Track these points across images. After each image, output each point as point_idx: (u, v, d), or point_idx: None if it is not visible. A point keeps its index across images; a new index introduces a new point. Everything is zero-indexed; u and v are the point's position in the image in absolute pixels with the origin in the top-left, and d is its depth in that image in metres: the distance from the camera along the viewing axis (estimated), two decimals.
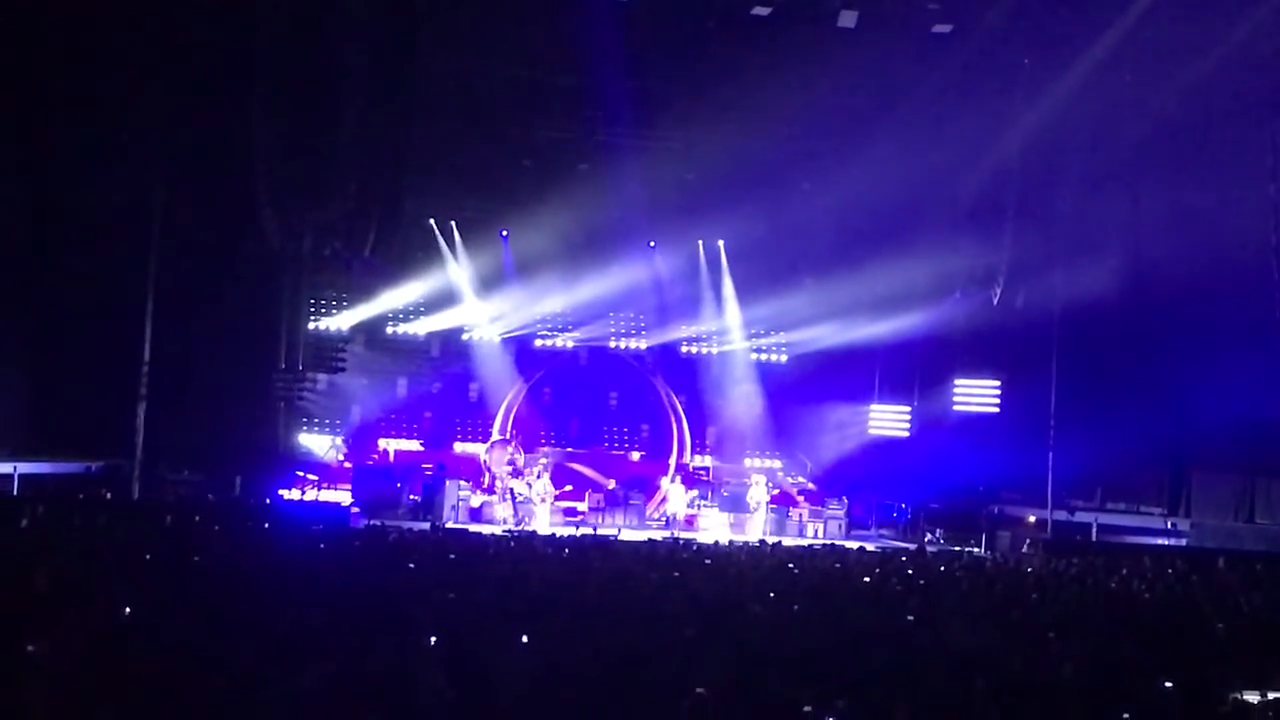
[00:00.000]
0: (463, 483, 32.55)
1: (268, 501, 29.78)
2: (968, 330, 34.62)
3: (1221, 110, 30.07)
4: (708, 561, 20.90)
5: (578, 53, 30.02)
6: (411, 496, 32.10)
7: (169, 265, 30.03)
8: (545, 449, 35.47)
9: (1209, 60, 28.66)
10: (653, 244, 36.12)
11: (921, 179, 31.77)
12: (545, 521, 30.79)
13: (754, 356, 37.93)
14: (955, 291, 34.59)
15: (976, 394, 35.47)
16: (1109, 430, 30.61)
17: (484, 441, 35.62)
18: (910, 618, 14.89)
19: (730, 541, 26.37)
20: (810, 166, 33.71)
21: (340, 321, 34.81)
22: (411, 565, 17.73)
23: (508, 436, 34.90)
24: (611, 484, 34.10)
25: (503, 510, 31.74)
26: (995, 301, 34.10)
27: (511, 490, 32.08)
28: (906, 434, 36.69)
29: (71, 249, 29.53)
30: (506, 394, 36.36)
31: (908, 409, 36.84)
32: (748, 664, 10.79)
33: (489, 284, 35.92)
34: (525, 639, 11.57)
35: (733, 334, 37.41)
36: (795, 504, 34.96)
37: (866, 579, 19.06)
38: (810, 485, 36.63)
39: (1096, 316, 31.72)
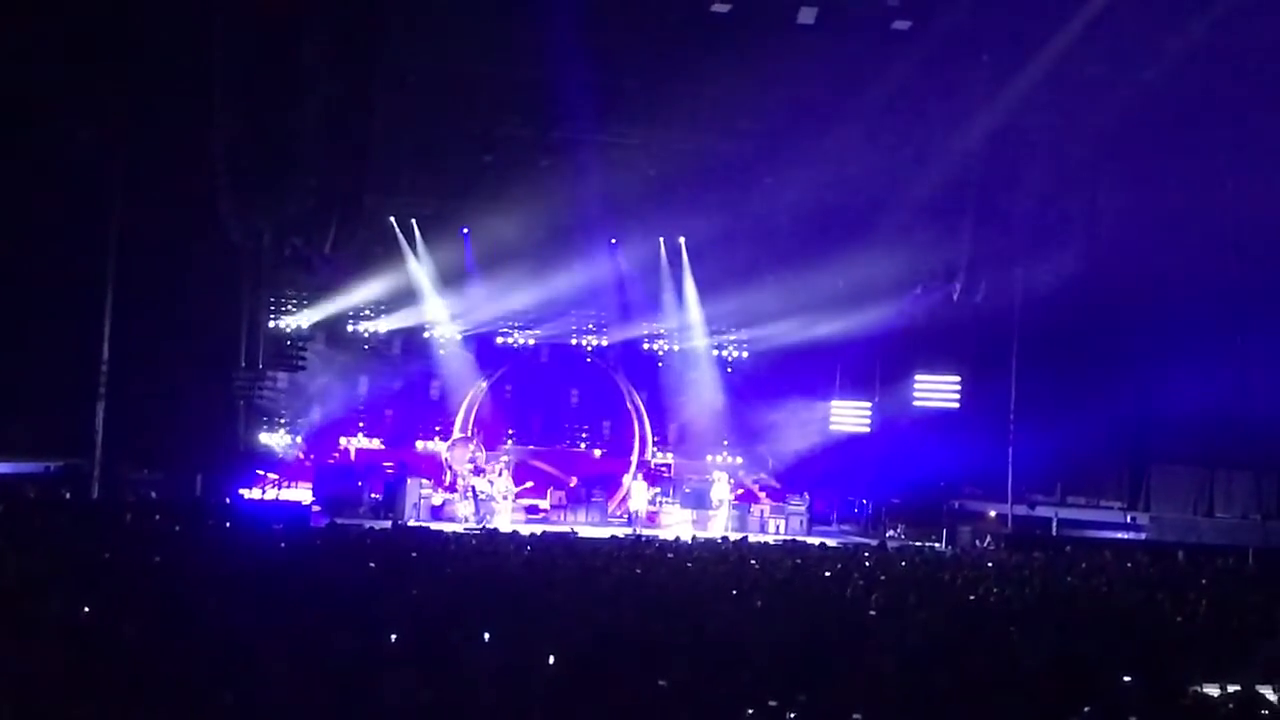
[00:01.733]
0: (424, 481, 32.55)
1: (228, 500, 29.62)
2: (928, 326, 34.73)
3: (1181, 106, 30.24)
4: (670, 558, 20.93)
5: (539, 49, 29.86)
6: (373, 495, 32.02)
7: (128, 263, 29.70)
8: (507, 446, 35.45)
9: (1168, 57, 28.83)
10: (614, 240, 36.05)
11: (882, 175, 31.95)
12: (507, 519, 30.70)
13: (715, 353, 37.94)
14: (916, 287, 34.76)
15: (937, 390, 35.67)
16: (1069, 425, 30.72)
17: (445, 439, 35.54)
18: (871, 613, 14.95)
19: (693, 538, 26.36)
20: (771, 163, 33.65)
21: (301, 319, 34.69)
22: (372, 565, 17.67)
23: (469, 434, 34.89)
24: (573, 481, 34.10)
25: (464, 508, 31.66)
26: (955, 297, 34.25)
27: (473, 488, 32.00)
28: (868, 430, 36.79)
29: (29, 246, 29.18)
30: (468, 392, 36.29)
31: (868, 405, 36.93)
32: (710, 660, 10.79)
33: (450, 281, 35.76)
34: (487, 637, 11.54)
35: (694, 330, 37.39)
36: (757, 500, 35.04)
37: (828, 574, 19.11)
38: (772, 481, 36.66)
39: (1056, 312, 31.96)
